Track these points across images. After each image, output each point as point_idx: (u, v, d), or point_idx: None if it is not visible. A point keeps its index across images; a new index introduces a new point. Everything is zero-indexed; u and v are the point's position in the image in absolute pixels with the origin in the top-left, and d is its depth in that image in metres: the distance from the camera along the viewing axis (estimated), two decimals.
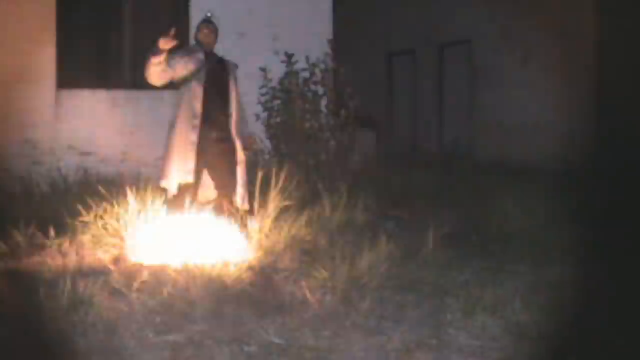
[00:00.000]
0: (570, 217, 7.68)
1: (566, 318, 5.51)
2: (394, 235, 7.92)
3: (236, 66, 7.97)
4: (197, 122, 7.41)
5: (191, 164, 7.35)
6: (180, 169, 7.37)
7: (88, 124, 10.75)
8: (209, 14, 7.95)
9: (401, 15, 17.49)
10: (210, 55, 7.72)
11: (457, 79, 16.16)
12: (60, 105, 10.70)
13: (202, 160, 7.43)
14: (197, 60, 7.57)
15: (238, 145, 7.61)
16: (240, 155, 7.61)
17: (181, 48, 7.74)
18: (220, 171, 7.55)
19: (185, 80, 7.50)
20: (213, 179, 7.59)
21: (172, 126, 7.53)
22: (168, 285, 5.91)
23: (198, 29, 7.84)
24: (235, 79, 7.82)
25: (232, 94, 7.71)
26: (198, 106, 7.44)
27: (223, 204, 7.47)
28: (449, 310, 5.61)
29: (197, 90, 7.47)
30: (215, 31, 7.81)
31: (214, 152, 7.50)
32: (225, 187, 7.53)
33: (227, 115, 7.64)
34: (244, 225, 7.29)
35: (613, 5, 10.19)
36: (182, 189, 7.35)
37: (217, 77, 7.65)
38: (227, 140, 7.59)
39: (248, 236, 7.17)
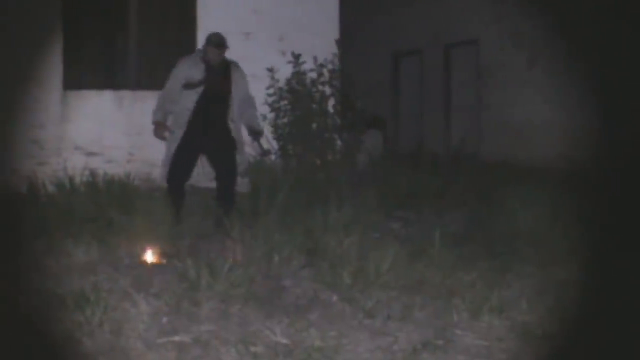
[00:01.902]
0: (577, 218, 7.66)
1: (572, 319, 5.51)
2: (400, 236, 7.93)
3: (240, 69, 8.35)
4: (181, 131, 8.04)
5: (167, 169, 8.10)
6: (163, 171, 8.20)
7: (94, 124, 10.76)
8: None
9: (408, 15, 17.47)
10: (214, 67, 8.13)
11: (464, 79, 16.13)
12: (67, 106, 10.72)
13: (189, 160, 8.11)
14: (200, 73, 8.05)
15: (238, 140, 8.24)
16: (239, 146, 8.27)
17: (190, 56, 8.38)
18: (220, 169, 8.15)
19: (186, 86, 8.04)
20: (216, 172, 8.19)
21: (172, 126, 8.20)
22: (174, 285, 5.92)
23: (208, 44, 8.15)
24: (240, 82, 8.27)
25: (233, 99, 8.18)
26: (188, 115, 8.04)
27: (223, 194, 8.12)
28: (455, 310, 5.60)
29: (190, 102, 8.04)
30: (222, 50, 8.17)
31: (209, 153, 8.16)
32: (225, 183, 8.13)
33: (225, 119, 8.18)
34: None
35: (617, 5, 10.17)
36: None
37: (217, 86, 8.13)
38: (225, 141, 8.12)
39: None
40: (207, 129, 8.05)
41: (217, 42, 8.11)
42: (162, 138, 8.19)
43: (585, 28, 11.55)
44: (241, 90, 8.24)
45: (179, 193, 8.09)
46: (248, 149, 8.63)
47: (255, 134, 8.33)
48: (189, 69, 8.07)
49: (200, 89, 8.01)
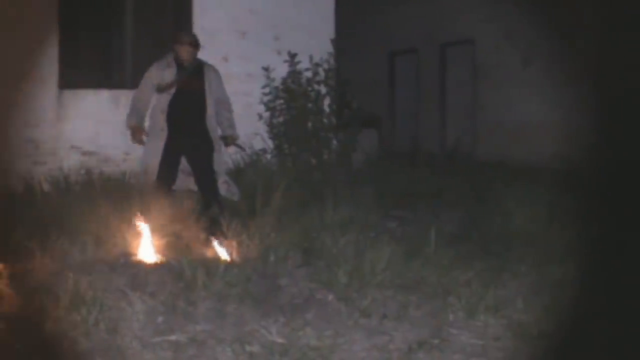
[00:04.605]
0: (572, 217, 7.68)
1: (568, 318, 5.51)
2: (396, 235, 7.93)
3: (214, 70, 8.34)
4: (164, 134, 8.03)
5: (154, 171, 8.05)
6: (146, 172, 8.19)
7: (90, 123, 10.75)
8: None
9: (404, 14, 17.48)
10: (187, 67, 8.09)
11: (460, 78, 16.16)
12: (63, 105, 10.70)
13: (172, 162, 8.07)
14: (171, 75, 8.06)
15: (215, 140, 8.25)
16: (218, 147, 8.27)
17: (161, 59, 8.24)
18: (197, 170, 8.17)
19: (158, 89, 8.07)
20: (194, 174, 8.23)
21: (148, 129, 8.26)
22: (170, 284, 5.92)
23: (181, 43, 8.11)
24: (215, 83, 8.23)
25: (208, 99, 8.14)
26: (162, 118, 8.05)
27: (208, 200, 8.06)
28: (451, 310, 5.61)
29: (163, 104, 8.05)
30: (197, 49, 8.17)
31: (188, 154, 8.14)
32: (204, 184, 8.16)
33: (201, 119, 8.14)
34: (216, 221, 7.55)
35: (614, 3, 10.19)
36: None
37: (189, 87, 8.09)
38: (201, 142, 8.15)
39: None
40: (183, 130, 8.06)
41: (190, 40, 8.12)
42: (140, 142, 8.23)
43: (580, 27, 11.56)
44: (216, 90, 8.24)
45: (167, 196, 8.00)
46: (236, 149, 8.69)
47: (227, 139, 8.36)
48: (161, 72, 8.08)
49: (172, 91, 8.04)
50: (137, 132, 8.18)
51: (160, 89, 8.04)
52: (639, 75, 8.53)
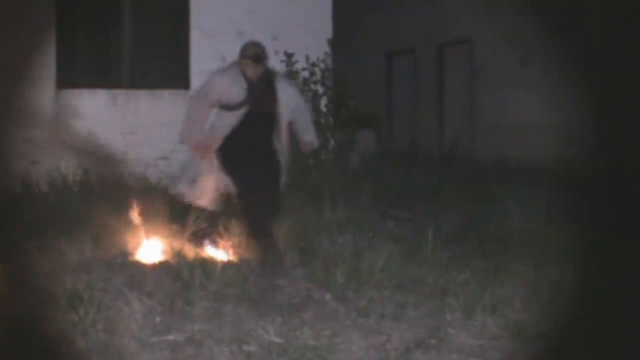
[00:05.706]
0: (570, 218, 7.68)
1: (565, 318, 5.52)
2: (394, 235, 7.94)
3: (287, 80, 7.50)
4: (220, 153, 6.94)
5: (204, 189, 7.04)
6: (194, 190, 7.08)
7: (88, 123, 10.74)
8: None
9: (401, 14, 17.47)
10: (256, 85, 6.96)
11: (457, 78, 16.14)
12: (60, 105, 10.70)
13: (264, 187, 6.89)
14: (239, 93, 6.90)
15: (282, 160, 7.11)
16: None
17: (227, 71, 7.13)
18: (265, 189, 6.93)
19: (224, 107, 6.93)
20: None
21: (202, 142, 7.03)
22: (168, 284, 5.92)
23: (245, 57, 7.01)
24: (285, 92, 7.09)
25: (279, 117, 7.02)
26: (223, 139, 6.90)
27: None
28: (448, 309, 5.61)
29: (226, 126, 6.92)
30: (261, 62, 7.00)
31: (253, 173, 6.90)
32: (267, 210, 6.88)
33: (271, 140, 7.06)
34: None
35: (612, 3, 10.20)
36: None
37: (261, 106, 6.94)
38: (270, 165, 7.04)
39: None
40: (251, 152, 6.92)
41: (255, 55, 6.97)
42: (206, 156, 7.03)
43: (578, 27, 11.56)
44: (288, 101, 7.07)
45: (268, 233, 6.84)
46: None
47: (307, 145, 7.27)
48: (228, 89, 6.88)
49: (241, 112, 6.87)
50: (202, 148, 6.99)
51: (229, 109, 6.86)
52: (638, 75, 8.53)
